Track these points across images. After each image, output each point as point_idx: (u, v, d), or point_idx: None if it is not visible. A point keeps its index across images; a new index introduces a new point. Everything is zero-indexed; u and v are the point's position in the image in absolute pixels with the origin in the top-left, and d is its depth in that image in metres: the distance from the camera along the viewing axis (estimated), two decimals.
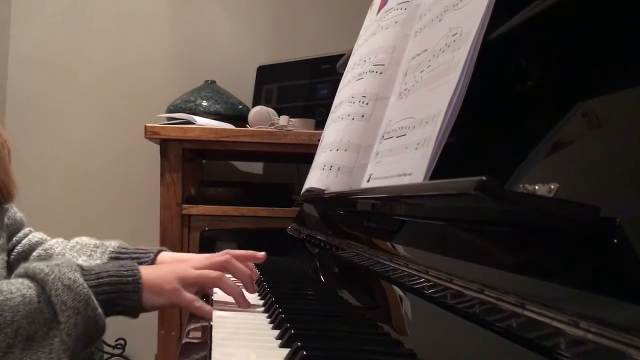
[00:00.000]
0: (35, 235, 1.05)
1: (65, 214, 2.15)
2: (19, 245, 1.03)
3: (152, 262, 0.97)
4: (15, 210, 1.03)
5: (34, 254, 1.02)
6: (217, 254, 0.91)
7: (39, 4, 2.17)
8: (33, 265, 0.73)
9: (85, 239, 1.03)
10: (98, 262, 0.96)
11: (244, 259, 0.91)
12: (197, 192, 1.74)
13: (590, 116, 0.47)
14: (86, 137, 2.18)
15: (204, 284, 0.83)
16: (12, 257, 1.02)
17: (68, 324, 0.70)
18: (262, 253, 0.94)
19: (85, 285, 0.73)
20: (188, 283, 0.81)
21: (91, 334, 0.73)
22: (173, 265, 0.87)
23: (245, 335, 0.65)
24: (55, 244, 1.04)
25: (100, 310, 0.73)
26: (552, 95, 0.56)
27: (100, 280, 0.76)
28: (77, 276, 0.73)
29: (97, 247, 1.00)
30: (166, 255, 0.99)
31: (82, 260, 0.97)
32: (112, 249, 0.99)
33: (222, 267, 0.85)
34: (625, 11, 0.48)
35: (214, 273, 0.83)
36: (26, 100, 2.17)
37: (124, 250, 0.99)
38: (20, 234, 1.04)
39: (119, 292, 0.76)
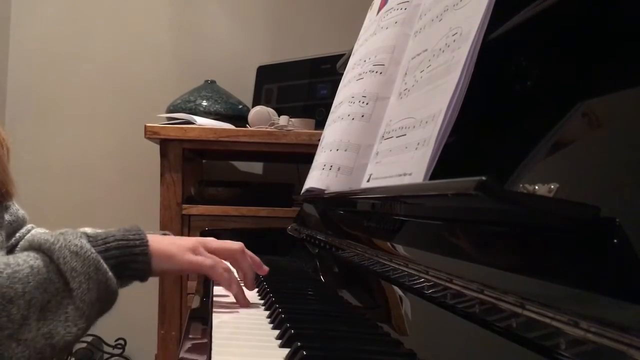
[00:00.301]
0: (38, 231, 1.05)
1: (65, 213, 2.15)
2: (23, 241, 1.03)
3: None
4: (17, 207, 1.03)
5: None
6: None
7: (39, 2, 2.17)
8: (37, 237, 0.73)
9: (88, 230, 1.03)
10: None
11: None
12: (197, 192, 1.74)
13: (590, 116, 0.47)
14: (86, 137, 2.18)
15: (211, 276, 0.83)
16: (16, 253, 1.01)
17: (80, 289, 0.69)
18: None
19: (93, 251, 0.72)
20: (199, 254, 0.81)
21: (104, 299, 0.73)
22: (184, 238, 0.87)
23: (245, 335, 0.65)
24: None
25: (111, 273, 0.72)
26: (552, 95, 0.56)
27: (108, 245, 0.75)
28: (84, 242, 0.72)
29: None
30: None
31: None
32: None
33: (234, 256, 0.85)
34: (625, 11, 0.48)
35: (222, 262, 0.83)
36: (26, 100, 2.17)
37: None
38: (23, 231, 1.04)
39: (128, 256, 0.75)
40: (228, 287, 0.81)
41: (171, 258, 0.79)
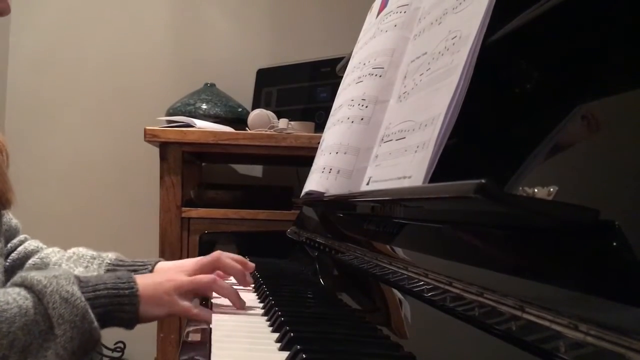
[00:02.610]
0: (31, 243, 1.04)
1: (65, 216, 2.15)
2: (14, 252, 1.02)
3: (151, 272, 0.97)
4: (10, 217, 1.03)
5: (30, 262, 1.01)
6: (207, 256, 0.92)
7: (39, 6, 2.17)
8: (31, 275, 0.73)
9: (82, 250, 1.03)
10: (94, 274, 0.96)
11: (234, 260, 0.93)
12: (197, 195, 1.74)
13: (589, 119, 0.47)
14: (85, 140, 2.18)
15: (198, 290, 0.83)
16: (7, 263, 1.01)
17: (64, 337, 0.70)
18: (252, 264, 0.96)
19: (83, 299, 0.73)
20: (183, 291, 0.81)
21: (86, 347, 0.73)
22: (168, 274, 0.87)
23: (245, 338, 0.65)
24: (52, 253, 1.03)
25: (96, 323, 0.73)
26: (551, 98, 0.56)
27: (97, 292, 0.76)
28: (75, 289, 0.73)
29: (94, 258, 1.00)
30: (164, 266, 0.99)
31: (78, 272, 0.96)
32: (109, 261, 0.99)
33: (213, 267, 0.86)
34: (623, 14, 0.49)
35: (206, 277, 0.84)
36: (25, 103, 2.17)
37: (121, 263, 0.99)
38: (15, 241, 1.03)
39: (116, 305, 0.76)
40: (208, 319, 0.81)
41: (159, 304, 0.80)
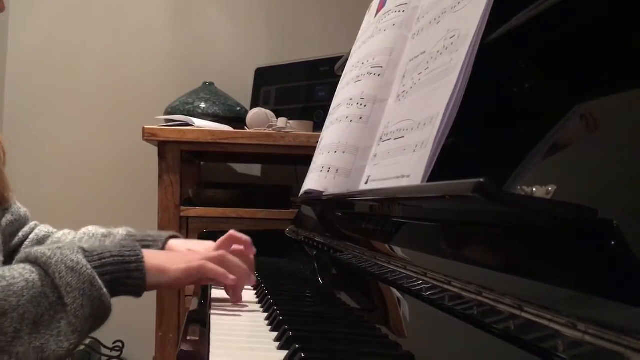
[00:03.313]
0: (42, 229, 1.05)
1: (63, 215, 2.15)
2: (27, 240, 1.03)
3: (162, 248, 0.97)
4: (19, 206, 1.03)
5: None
6: (217, 244, 0.92)
7: (37, 4, 2.17)
8: (34, 249, 0.73)
9: (92, 229, 1.03)
10: None
11: (243, 243, 0.94)
12: (195, 194, 1.74)
13: (588, 118, 0.47)
14: (84, 139, 2.18)
15: (205, 274, 0.83)
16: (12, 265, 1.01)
17: (75, 305, 0.70)
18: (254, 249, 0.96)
19: (89, 266, 0.72)
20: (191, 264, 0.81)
21: (98, 315, 0.73)
22: (179, 252, 0.88)
23: (243, 337, 0.65)
24: (63, 235, 1.04)
25: (105, 290, 0.73)
26: (549, 97, 0.56)
27: (103, 260, 0.75)
28: (80, 258, 0.73)
29: (105, 236, 1.01)
30: (176, 242, 0.99)
31: None
32: (120, 238, 0.99)
33: (218, 262, 0.85)
34: (622, 13, 0.49)
35: (215, 252, 0.84)
36: (24, 102, 2.17)
37: (132, 238, 0.99)
38: (26, 229, 1.04)
39: (123, 272, 0.76)
40: (224, 280, 0.81)
41: (165, 271, 0.80)
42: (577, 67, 0.53)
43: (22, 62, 2.17)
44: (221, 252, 0.85)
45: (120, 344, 2.07)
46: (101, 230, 1.02)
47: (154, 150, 1.67)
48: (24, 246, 1.01)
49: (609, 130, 0.46)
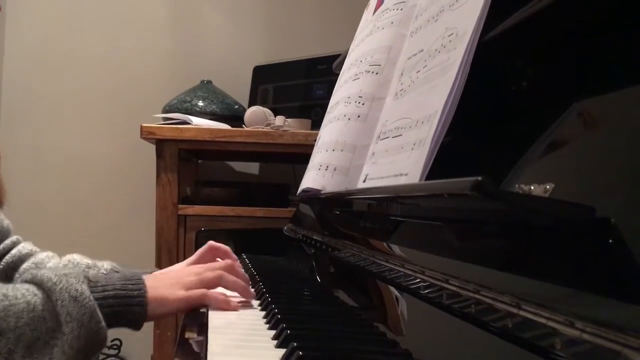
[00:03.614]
0: (25, 247, 1.04)
1: (61, 213, 2.15)
2: (8, 255, 1.01)
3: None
4: (2, 218, 1.02)
5: (24, 265, 1.01)
6: (197, 256, 0.92)
7: (34, 5, 2.16)
8: (41, 272, 0.73)
9: (77, 257, 1.02)
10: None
11: (222, 253, 0.95)
12: (193, 192, 1.74)
13: (586, 116, 0.48)
14: (81, 137, 2.18)
15: (206, 286, 0.83)
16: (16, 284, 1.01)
17: (71, 335, 0.70)
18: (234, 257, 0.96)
19: (92, 298, 0.73)
20: (191, 288, 0.81)
21: (92, 347, 0.73)
22: (177, 273, 0.87)
23: (241, 336, 0.65)
24: (46, 258, 1.02)
25: (104, 323, 0.73)
26: (547, 95, 0.56)
27: (106, 293, 0.76)
28: (84, 288, 0.73)
29: (89, 267, 1.00)
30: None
31: None
32: (104, 271, 0.99)
33: (215, 284, 0.85)
34: (620, 11, 0.49)
35: (212, 274, 0.84)
36: (21, 100, 2.17)
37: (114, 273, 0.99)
38: (7, 242, 1.02)
39: (124, 306, 0.76)
40: (227, 307, 0.81)
41: (165, 303, 0.80)
42: (575, 65, 0.53)
43: (19, 60, 2.17)
44: (218, 272, 0.84)
45: (118, 342, 2.07)
46: (86, 260, 1.02)
47: (152, 148, 1.67)
48: (4, 260, 1.01)
49: (606, 128, 0.46)
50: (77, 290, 0.72)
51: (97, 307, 0.73)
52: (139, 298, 0.77)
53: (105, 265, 1.01)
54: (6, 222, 1.03)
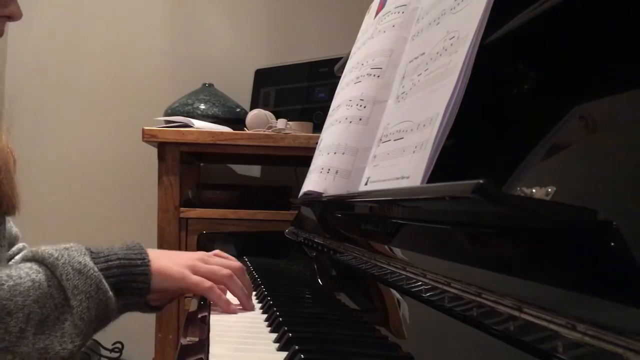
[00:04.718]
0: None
1: (63, 217, 2.15)
2: (12, 261, 1.02)
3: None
4: (10, 225, 1.03)
5: None
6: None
7: (37, 7, 2.17)
8: (41, 249, 0.73)
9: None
10: None
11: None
12: (195, 195, 1.74)
13: (587, 119, 0.48)
14: (84, 141, 2.18)
15: (213, 278, 0.82)
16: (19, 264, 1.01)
17: (80, 308, 0.70)
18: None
19: (96, 269, 0.72)
20: (197, 272, 0.81)
21: (102, 317, 0.73)
22: (184, 254, 0.87)
23: (243, 338, 0.65)
24: None
25: (111, 293, 0.73)
26: (549, 98, 0.56)
27: (110, 263, 0.75)
28: (87, 260, 0.72)
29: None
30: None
31: None
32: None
33: (223, 282, 0.84)
34: (622, 14, 0.49)
35: (224, 270, 0.83)
36: (23, 103, 2.17)
37: None
38: (14, 249, 1.03)
39: (128, 275, 0.76)
40: (226, 308, 0.80)
41: (170, 277, 0.79)
42: (577, 68, 0.53)
43: (22, 64, 2.17)
44: (229, 272, 0.83)
45: (119, 345, 2.07)
46: (100, 247, 1.02)
47: (153, 151, 1.67)
48: (21, 257, 1.01)
49: (608, 131, 0.46)
50: (80, 262, 0.72)
51: (103, 278, 0.72)
52: (142, 267, 0.77)
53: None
54: (15, 229, 1.04)
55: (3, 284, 0.67)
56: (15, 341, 0.66)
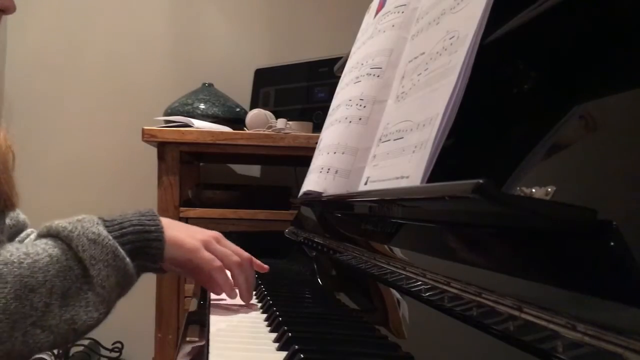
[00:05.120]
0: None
1: (63, 216, 2.15)
2: (27, 239, 1.03)
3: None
4: (17, 212, 1.03)
5: None
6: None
7: (36, 6, 2.17)
8: (55, 223, 0.73)
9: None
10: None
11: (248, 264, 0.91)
12: (195, 195, 1.74)
13: (587, 119, 0.48)
14: (84, 140, 2.18)
15: (222, 259, 0.82)
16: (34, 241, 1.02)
17: (100, 276, 0.71)
18: (267, 266, 0.93)
19: (110, 237, 0.73)
20: (209, 249, 0.81)
21: (124, 283, 0.74)
22: (199, 229, 0.87)
23: (243, 338, 0.65)
24: None
25: (128, 259, 0.73)
26: (549, 97, 0.56)
27: (124, 230, 0.76)
28: (101, 229, 0.73)
29: None
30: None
31: None
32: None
33: (231, 268, 0.84)
34: (621, 14, 0.49)
35: (235, 257, 0.83)
36: (23, 104, 2.17)
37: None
38: (22, 235, 1.04)
39: (143, 241, 0.76)
40: (229, 293, 0.81)
41: (182, 247, 0.79)
42: (577, 68, 0.53)
43: (21, 63, 2.17)
44: (239, 261, 0.83)
45: (119, 345, 2.07)
46: (114, 215, 1.03)
47: (153, 151, 1.67)
48: (36, 234, 1.02)
49: (608, 131, 0.46)
50: (94, 232, 0.72)
51: (118, 245, 0.73)
52: (156, 233, 0.77)
53: None
54: (22, 216, 1.05)
55: (22, 262, 0.67)
56: (42, 316, 0.67)
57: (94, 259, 0.71)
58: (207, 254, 0.80)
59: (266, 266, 0.91)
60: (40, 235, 0.74)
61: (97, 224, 0.74)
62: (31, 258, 0.68)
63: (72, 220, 0.73)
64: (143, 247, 0.76)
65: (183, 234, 0.80)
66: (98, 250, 0.71)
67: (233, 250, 0.85)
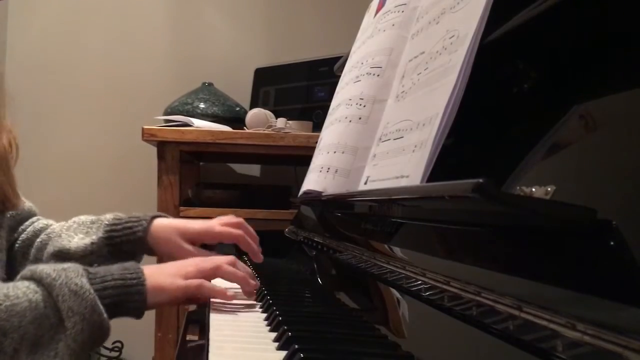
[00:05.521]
0: (40, 222, 1.06)
1: (63, 216, 2.14)
2: (24, 232, 1.03)
3: (145, 231, 0.97)
4: (22, 200, 1.04)
5: (37, 240, 1.02)
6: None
7: (37, 6, 2.17)
8: (40, 268, 0.74)
9: (82, 217, 1.04)
10: (94, 237, 0.97)
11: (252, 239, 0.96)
12: (195, 194, 1.74)
13: (587, 118, 0.48)
14: (83, 140, 2.18)
15: (204, 276, 0.83)
16: (17, 245, 1.03)
17: (75, 329, 0.70)
18: (261, 256, 0.95)
19: (92, 291, 0.73)
20: (189, 277, 0.82)
21: (96, 338, 0.74)
22: (177, 263, 0.88)
23: (242, 337, 0.65)
24: (57, 226, 1.05)
25: (105, 315, 0.74)
26: (549, 97, 0.56)
27: (106, 283, 0.76)
28: (84, 281, 0.73)
29: (93, 222, 1.01)
30: (163, 221, 0.99)
31: (78, 239, 0.98)
32: (107, 222, 1.00)
33: (212, 275, 0.85)
34: (621, 14, 0.49)
35: (210, 263, 0.84)
36: (23, 103, 2.17)
37: (117, 222, 0.99)
38: (27, 223, 1.05)
39: (124, 295, 0.77)
40: (224, 297, 0.82)
41: (163, 290, 0.80)
42: (577, 67, 0.53)
43: (21, 63, 2.17)
44: (216, 263, 0.85)
45: (119, 345, 2.07)
46: (90, 217, 1.03)
47: (153, 150, 1.67)
48: (20, 239, 1.02)
49: (608, 130, 0.46)
50: (76, 284, 0.72)
51: (98, 300, 0.73)
52: (138, 287, 0.78)
53: (108, 216, 1.02)
54: (28, 204, 1.05)
55: (0, 304, 0.67)
56: None
57: (72, 311, 0.71)
58: (182, 283, 0.81)
59: (261, 255, 0.92)
60: (24, 277, 0.74)
61: (81, 275, 0.74)
62: (10, 301, 0.68)
63: (57, 268, 0.74)
64: (123, 301, 0.77)
65: (163, 277, 0.81)
66: (77, 303, 0.71)
67: (207, 259, 0.87)
